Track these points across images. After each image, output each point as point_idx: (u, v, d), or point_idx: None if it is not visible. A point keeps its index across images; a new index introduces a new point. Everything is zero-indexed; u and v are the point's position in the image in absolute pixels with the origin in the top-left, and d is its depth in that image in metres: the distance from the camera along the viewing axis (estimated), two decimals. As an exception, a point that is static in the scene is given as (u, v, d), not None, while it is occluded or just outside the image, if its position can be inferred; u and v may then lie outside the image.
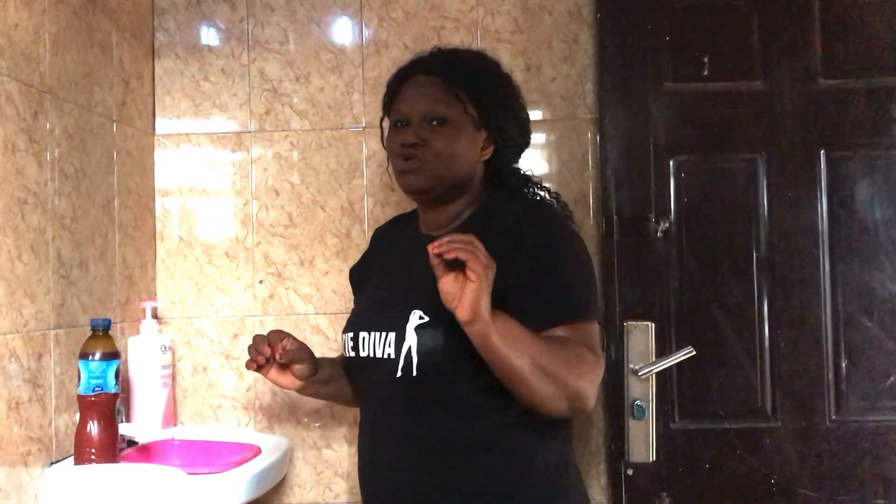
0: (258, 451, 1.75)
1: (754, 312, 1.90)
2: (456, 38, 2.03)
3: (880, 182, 1.91)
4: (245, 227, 2.07)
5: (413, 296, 1.41)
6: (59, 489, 1.49)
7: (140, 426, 1.78)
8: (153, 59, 2.08)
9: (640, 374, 1.84)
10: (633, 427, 1.86)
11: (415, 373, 1.40)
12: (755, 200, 1.92)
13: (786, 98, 1.92)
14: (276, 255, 2.06)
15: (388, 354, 1.43)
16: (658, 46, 1.93)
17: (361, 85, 2.06)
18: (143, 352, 1.86)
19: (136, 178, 1.98)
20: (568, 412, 1.38)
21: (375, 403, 1.51)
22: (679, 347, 1.85)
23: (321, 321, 2.05)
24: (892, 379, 1.89)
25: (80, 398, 1.54)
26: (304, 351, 1.53)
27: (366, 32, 2.07)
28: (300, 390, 1.59)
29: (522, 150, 1.63)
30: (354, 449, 1.69)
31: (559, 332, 1.37)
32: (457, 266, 1.24)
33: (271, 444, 1.83)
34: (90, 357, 1.53)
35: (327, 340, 2.04)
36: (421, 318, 1.40)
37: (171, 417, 1.94)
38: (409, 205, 1.75)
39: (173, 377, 1.98)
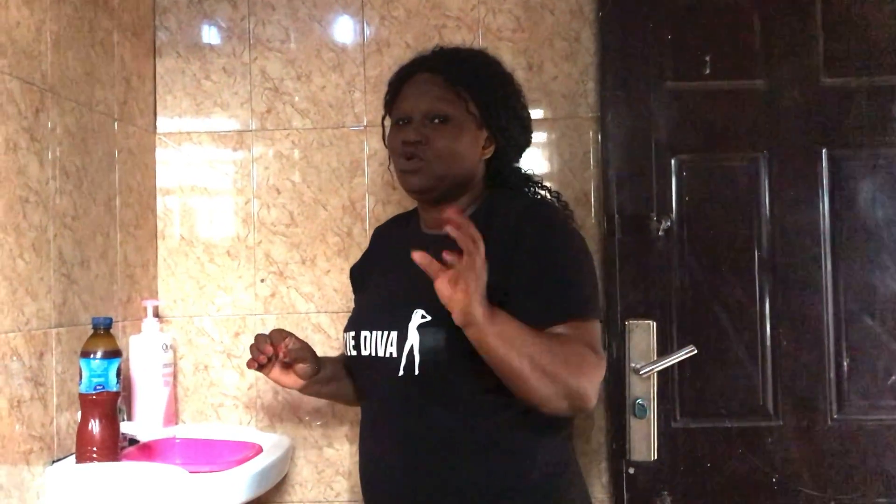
0: (259, 450, 1.75)
1: (756, 311, 1.90)
2: (457, 37, 2.03)
3: (882, 181, 1.90)
4: (246, 226, 2.07)
5: (415, 295, 1.41)
6: (61, 487, 1.49)
7: (141, 425, 1.78)
8: (154, 58, 2.08)
9: (641, 372, 1.84)
10: (635, 426, 1.86)
11: (417, 372, 1.40)
12: (757, 199, 1.91)
13: (788, 97, 1.91)
14: (277, 254, 2.06)
15: (390, 353, 1.43)
16: (660, 45, 1.93)
17: (363, 83, 2.06)
18: (144, 350, 1.86)
19: (137, 177, 1.98)
20: (568, 411, 1.38)
21: (377, 402, 1.51)
22: (680, 346, 1.85)
23: (322, 320, 2.05)
24: (893, 377, 1.88)
25: (82, 397, 1.54)
26: (306, 350, 1.53)
27: (367, 31, 2.07)
28: (302, 389, 1.59)
29: (524, 149, 1.63)
30: (356, 448, 1.69)
31: (560, 330, 1.37)
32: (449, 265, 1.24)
33: (272, 443, 1.83)
34: (92, 355, 1.53)
35: (329, 339, 2.04)
36: (423, 317, 1.40)
37: (173, 416, 1.94)
38: (410, 203, 1.75)
39: (175, 376, 1.98)
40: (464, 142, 1.50)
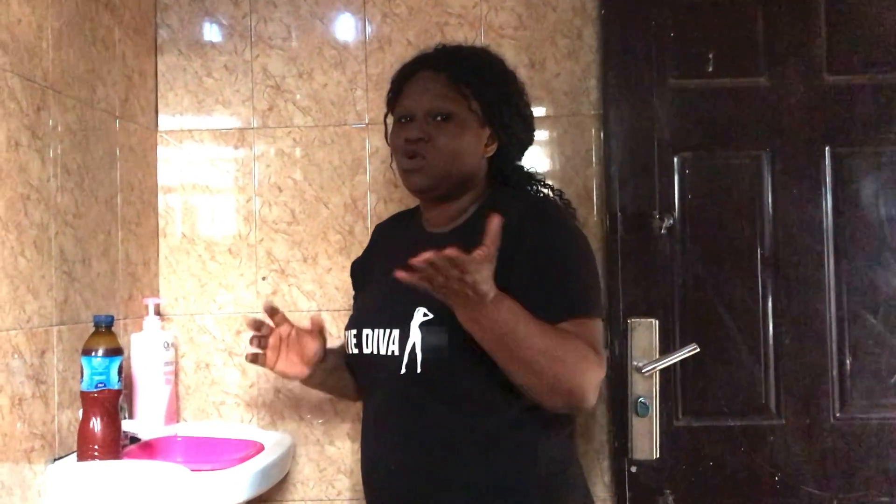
0: (261, 448, 1.75)
1: (758, 309, 1.90)
2: (459, 34, 2.03)
3: (885, 179, 1.90)
4: (248, 224, 2.07)
5: (417, 293, 1.40)
6: (62, 485, 1.49)
7: (143, 423, 1.78)
8: (156, 56, 2.08)
9: (643, 371, 1.83)
10: (637, 424, 1.85)
11: (419, 370, 1.40)
12: (759, 197, 1.91)
13: (791, 94, 1.91)
14: (278, 252, 2.06)
15: (392, 351, 1.43)
16: (662, 42, 1.93)
17: (365, 81, 2.06)
18: (145, 348, 1.86)
19: (138, 175, 1.98)
20: (565, 408, 1.39)
21: (379, 400, 1.51)
22: (683, 344, 1.85)
23: (324, 318, 2.04)
24: (896, 376, 1.88)
25: (83, 395, 1.54)
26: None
27: (369, 28, 2.07)
28: (305, 381, 1.59)
29: (526, 147, 1.62)
30: (357, 445, 1.69)
31: (562, 327, 1.37)
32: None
33: (274, 441, 1.83)
34: (93, 353, 1.53)
35: (330, 338, 2.00)
36: (425, 314, 1.40)
37: (174, 414, 1.94)
38: (412, 201, 1.75)
39: (176, 374, 1.98)
40: (466, 140, 1.50)
